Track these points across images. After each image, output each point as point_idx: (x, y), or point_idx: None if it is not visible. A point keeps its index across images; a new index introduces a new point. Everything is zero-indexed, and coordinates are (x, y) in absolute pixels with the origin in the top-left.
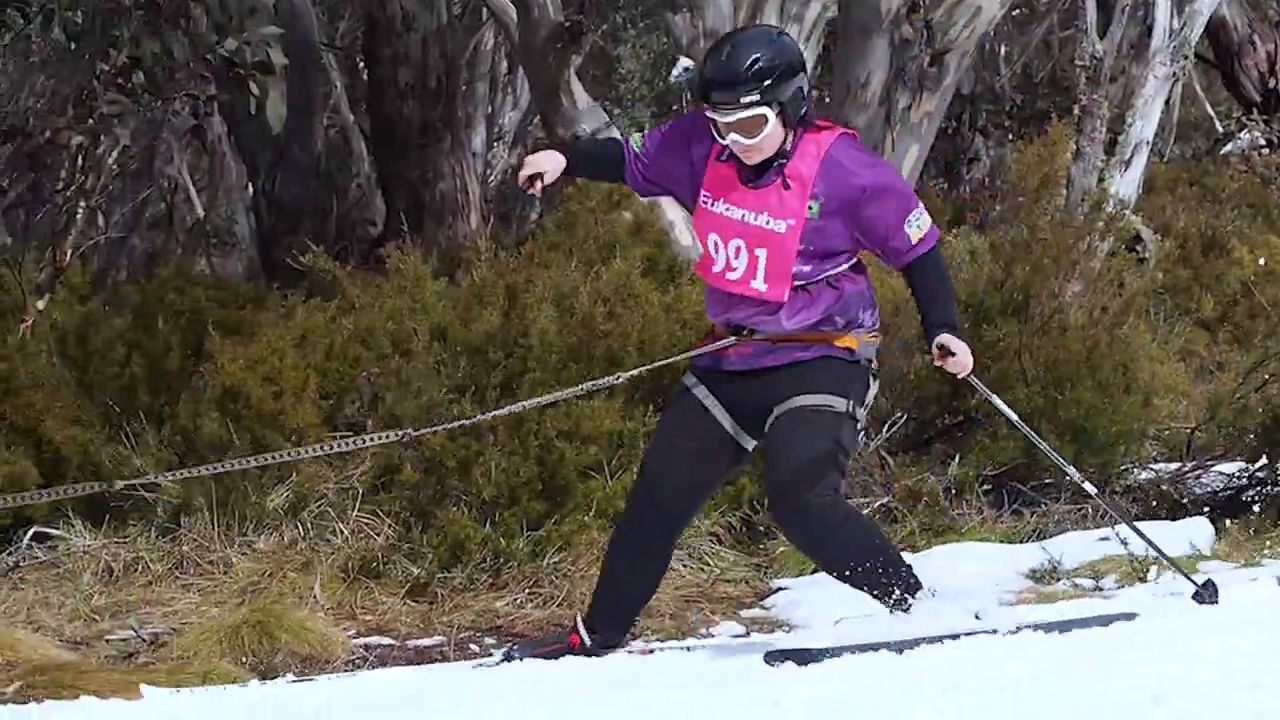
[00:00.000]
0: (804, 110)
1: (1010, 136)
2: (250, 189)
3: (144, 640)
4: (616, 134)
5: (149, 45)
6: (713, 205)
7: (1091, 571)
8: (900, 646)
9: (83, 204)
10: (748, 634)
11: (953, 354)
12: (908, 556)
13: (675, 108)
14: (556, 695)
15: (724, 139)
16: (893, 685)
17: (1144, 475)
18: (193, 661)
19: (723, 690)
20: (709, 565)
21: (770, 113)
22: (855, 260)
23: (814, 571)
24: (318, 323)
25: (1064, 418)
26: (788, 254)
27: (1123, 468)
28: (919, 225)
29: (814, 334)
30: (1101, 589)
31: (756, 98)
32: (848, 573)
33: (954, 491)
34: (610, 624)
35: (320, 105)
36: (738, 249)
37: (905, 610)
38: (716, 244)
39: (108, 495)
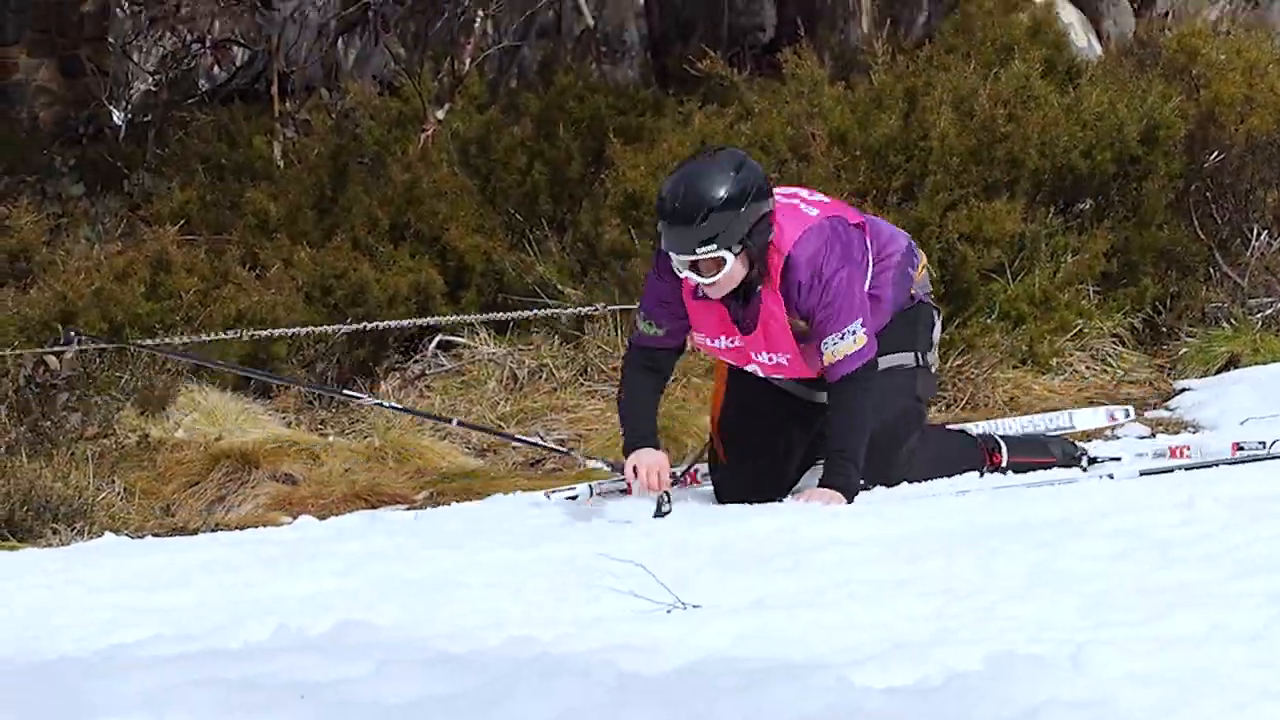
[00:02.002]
0: (768, 237)
1: None
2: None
3: (550, 447)
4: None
5: None
6: (712, 341)
7: None
8: None
9: (479, 13)
10: (1153, 435)
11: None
12: None
13: None
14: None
15: (680, 273)
16: None
17: None
18: (599, 469)
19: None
20: (1111, 366)
21: (729, 255)
22: (884, 268)
23: (1219, 372)
24: (716, 128)
25: None
26: (804, 368)
27: None
28: (852, 339)
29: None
30: None
31: (713, 247)
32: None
33: None
34: None
35: None
36: (755, 370)
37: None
38: (733, 363)
39: (512, 301)
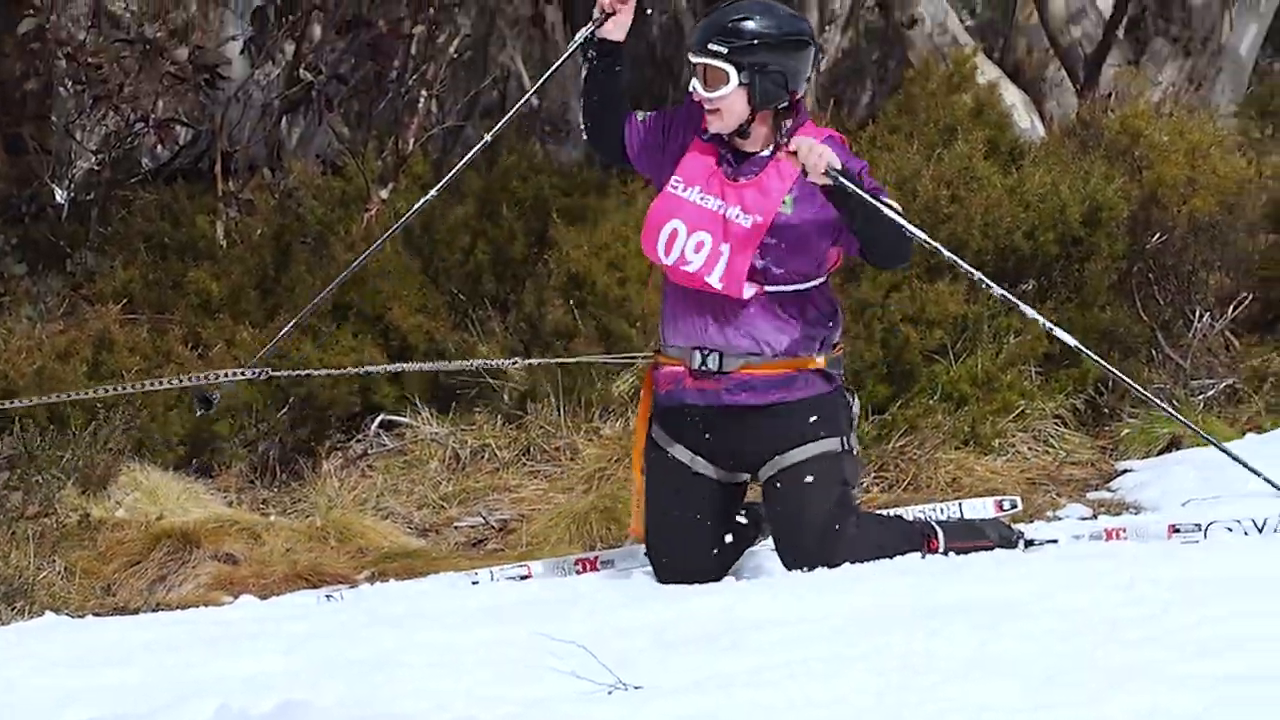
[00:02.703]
0: (780, 99)
1: None
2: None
3: (493, 527)
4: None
5: None
6: (683, 190)
7: None
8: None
9: (423, 93)
10: (1094, 516)
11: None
12: (1251, 438)
13: None
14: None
15: (691, 90)
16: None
17: None
18: (542, 548)
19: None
20: (1054, 447)
21: (732, 71)
22: (826, 275)
23: (1160, 453)
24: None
25: None
26: (749, 250)
27: None
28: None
29: (789, 362)
30: None
31: (724, 50)
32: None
33: None
34: None
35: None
36: (700, 243)
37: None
38: (675, 232)
39: (454, 381)
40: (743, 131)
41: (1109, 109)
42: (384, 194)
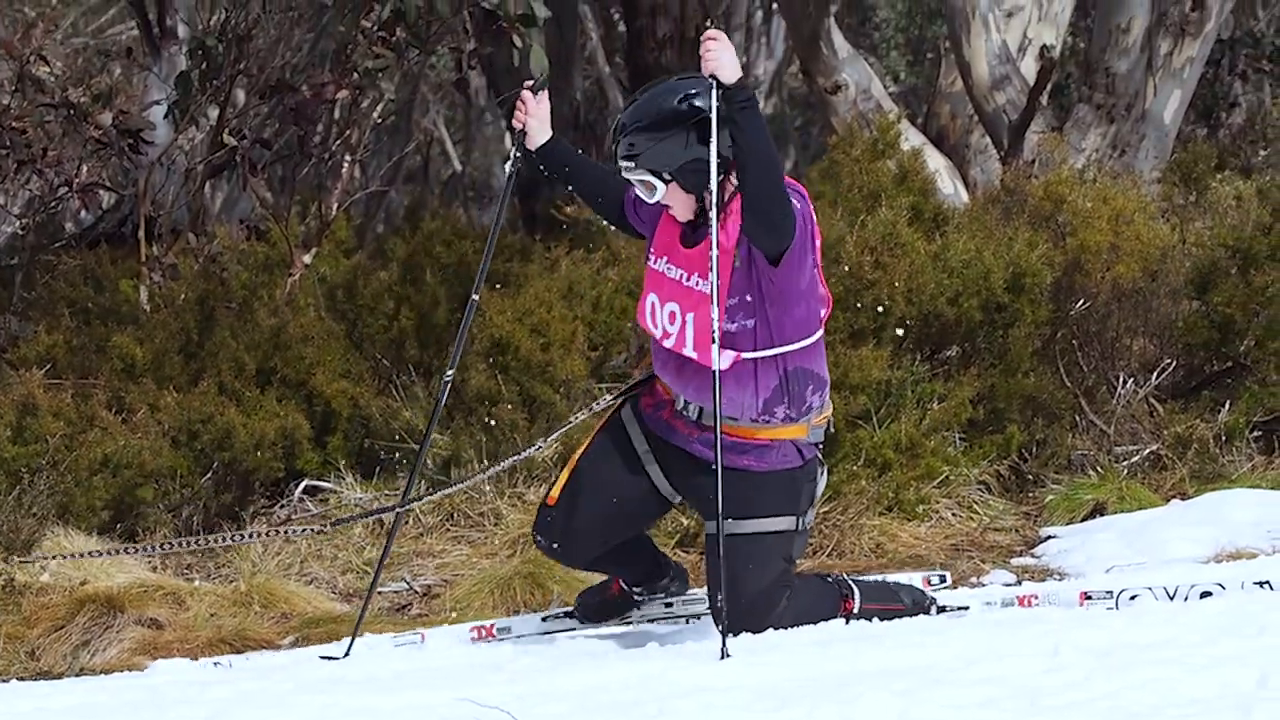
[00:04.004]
0: (705, 175)
1: (1269, 81)
2: (507, 140)
3: (416, 592)
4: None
5: (413, 0)
6: (654, 262)
7: None
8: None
9: (346, 158)
10: (1019, 582)
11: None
12: (1176, 505)
13: (931, 55)
14: None
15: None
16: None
17: None
18: (466, 613)
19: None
20: (978, 514)
21: (650, 178)
22: (810, 341)
23: (1084, 519)
24: (584, 274)
25: None
26: (707, 313)
27: None
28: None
29: (767, 430)
30: None
31: (631, 165)
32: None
33: (1223, 438)
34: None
35: (577, 57)
36: (672, 314)
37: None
38: (654, 306)
39: (377, 446)
40: (719, 207)
41: (1032, 175)
42: (307, 259)
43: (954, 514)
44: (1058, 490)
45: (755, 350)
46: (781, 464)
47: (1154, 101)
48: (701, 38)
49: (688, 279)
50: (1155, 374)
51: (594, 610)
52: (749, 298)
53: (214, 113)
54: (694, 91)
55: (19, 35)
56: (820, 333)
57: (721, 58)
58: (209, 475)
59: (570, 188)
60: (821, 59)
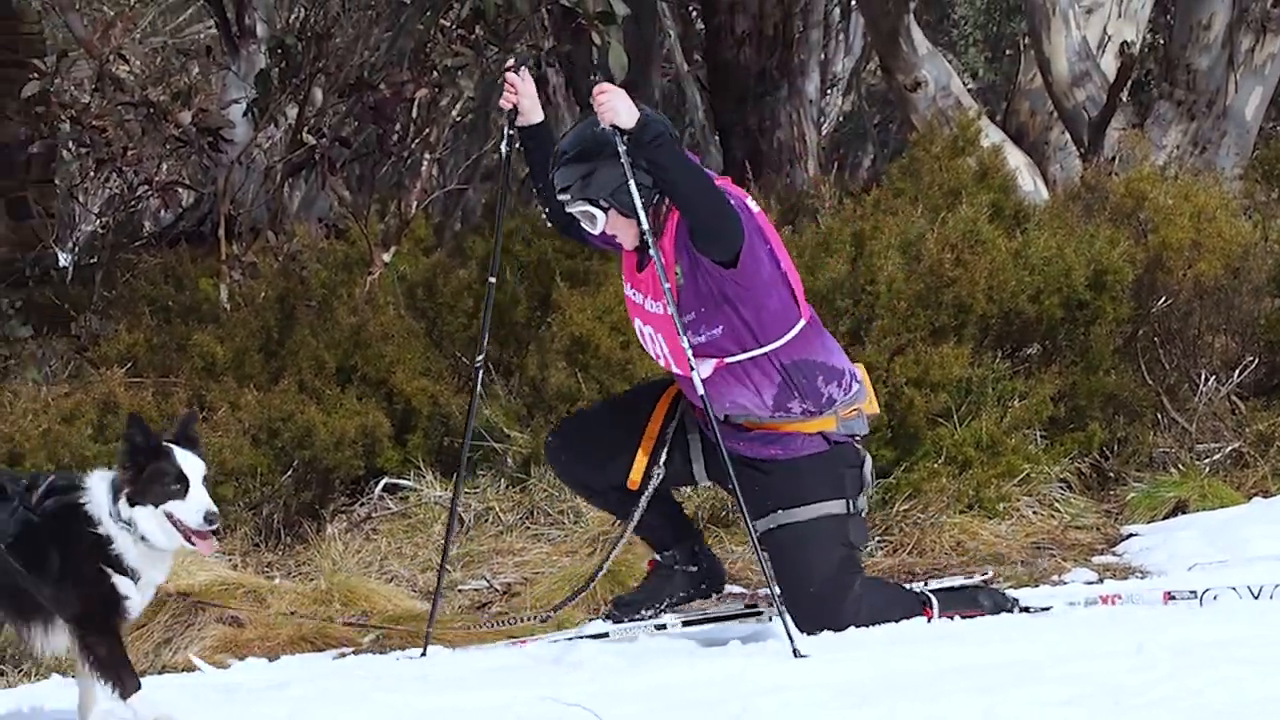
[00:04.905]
0: (650, 196)
1: None
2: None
3: (496, 590)
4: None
5: None
6: (627, 288)
7: None
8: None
9: (425, 156)
10: (1100, 580)
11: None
12: (1258, 502)
13: (1009, 52)
14: None
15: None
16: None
17: None
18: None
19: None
20: (1059, 511)
21: (590, 209)
22: (797, 331)
23: (1166, 517)
24: None
25: None
26: (671, 331)
27: None
28: None
29: (785, 423)
30: None
31: (568, 197)
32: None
33: None
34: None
35: (655, 54)
36: (649, 336)
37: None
38: (639, 329)
39: (458, 445)
40: (655, 230)
41: (1113, 172)
42: (387, 257)
43: (1035, 512)
44: (1139, 488)
45: (742, 353)
46: (809, 449)
47: (1235, 98)
48: (591, 96)
49: (645, 302)
50: (1237, 371)
51: (628, 605)
52: (704, 309)
53: (293, 111)
54: (594, 129)
55: (98, 34)
56: (803, 322)
57: (617, 106)
58: (289, 473)
59: (540, 185)
60: (901, 56)
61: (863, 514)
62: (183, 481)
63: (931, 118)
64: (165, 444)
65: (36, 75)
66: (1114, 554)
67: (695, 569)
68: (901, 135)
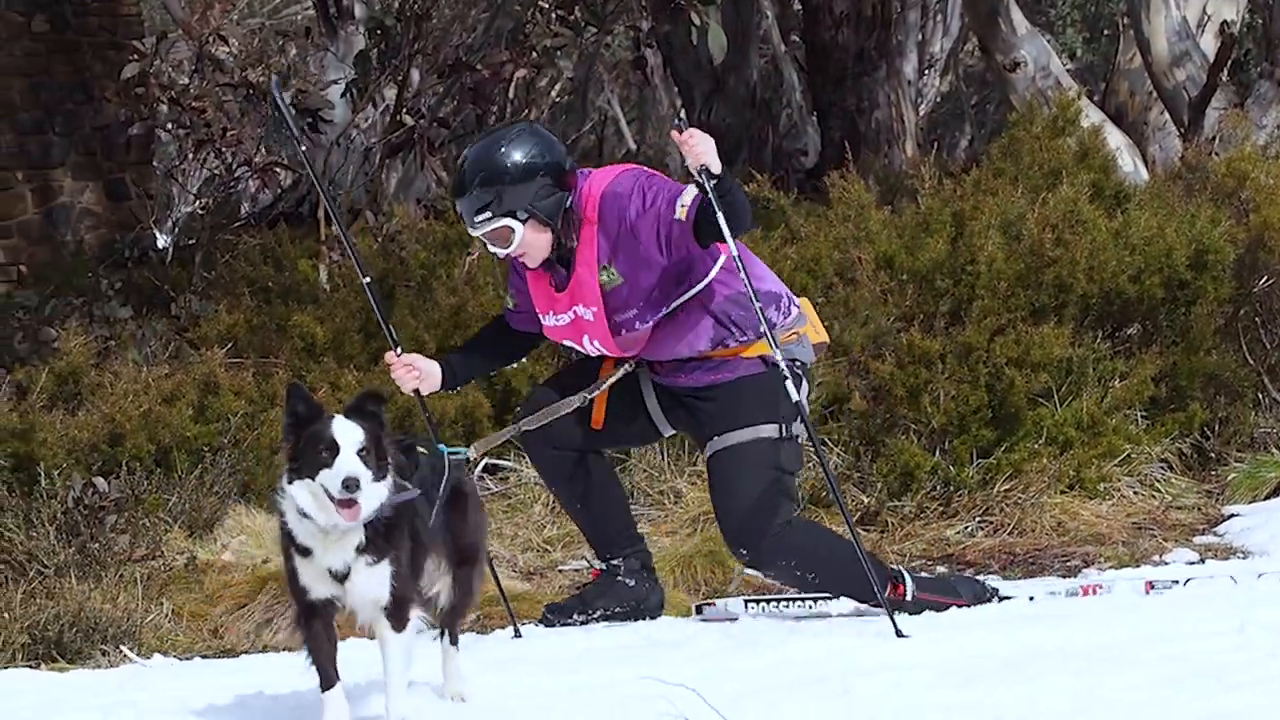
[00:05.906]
0: (561, 203)
1: None
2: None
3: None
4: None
5: None
6: (545, 318)
7: None
8: None
9: None
10: (1202, 560)
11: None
12: None
13: (1107, 32)
14: None
15: (489, 249)
16: None
17: None
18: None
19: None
20: (1160, 492)
21: (510, 221)
22: (716, 267)
23: (1268, 497)
24: (762, 252)
25: None
26: (606, 331)
27: None
28: (682, 203)
29: (723, 352)
30: None
31: (489, 215)
32: (831, 587)
33: None
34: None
35: (754, 36)
36: (587, 342)
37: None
38: (588, 347)
39: None
40: (569, 253)
41: (1214, 152)
42: None
43: (1135, 492)
44: (1240, 468)
45: (665, 307)
46: (747, 372)
47: None
48: (680, 136)
49: (578, 312)
50: None
51: (559, 610)
52: (631, 304)
53: (391, 92)
54: (509, 139)
55: (197, 16)
56: (722, 258)
57: (707, 150)
58: None
59: (493, 372)
60: (1000, 36)
61: (799, 439)
62: (333, 449)
63: (1031, 98)
64: (326, 413)
65: (136, 57)
66: (1215, 534)
67: (634, 584)
68: (999, 115)
